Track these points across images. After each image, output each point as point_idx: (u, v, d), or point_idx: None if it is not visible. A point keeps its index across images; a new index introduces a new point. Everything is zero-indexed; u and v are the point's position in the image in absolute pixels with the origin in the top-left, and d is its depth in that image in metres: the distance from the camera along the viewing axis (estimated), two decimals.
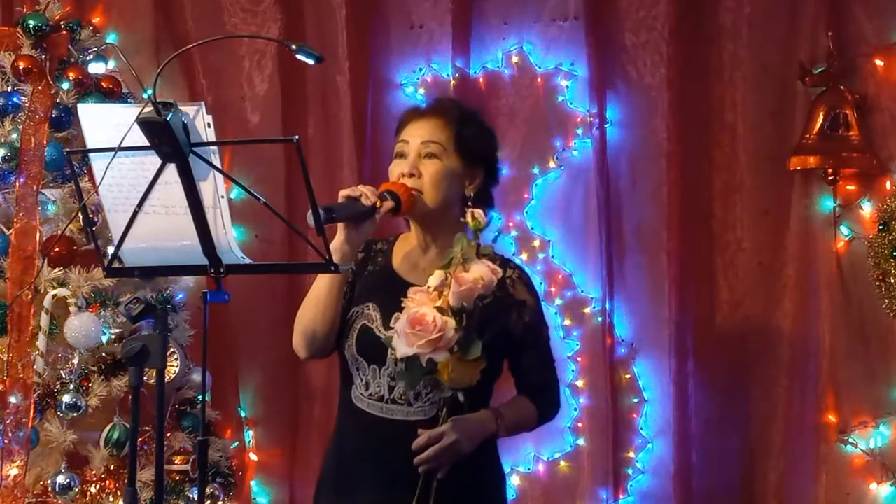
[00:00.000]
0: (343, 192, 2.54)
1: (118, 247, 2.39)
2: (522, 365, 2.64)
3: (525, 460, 4.01)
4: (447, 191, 2.61)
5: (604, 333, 3.96)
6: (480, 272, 2.37)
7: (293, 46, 2.48)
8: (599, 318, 3.97)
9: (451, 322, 2.33)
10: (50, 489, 3.50)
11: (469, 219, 2.43)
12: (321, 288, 2.61)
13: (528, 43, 4.10)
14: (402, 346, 2.36)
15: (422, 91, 4.15)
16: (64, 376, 3.54)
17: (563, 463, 3.99)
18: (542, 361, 2.72)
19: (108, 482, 3.56)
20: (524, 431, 2.85)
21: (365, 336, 2.59)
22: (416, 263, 2.65)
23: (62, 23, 3.83)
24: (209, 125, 2.27)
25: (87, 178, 3.16)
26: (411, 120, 2.67)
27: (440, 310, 2.34)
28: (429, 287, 2.38)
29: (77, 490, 3.51)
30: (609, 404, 3.93)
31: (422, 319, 2.34)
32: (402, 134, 2.66)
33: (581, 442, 3.99)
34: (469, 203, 2.63)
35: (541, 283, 3.93)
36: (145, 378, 2.31)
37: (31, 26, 3.77)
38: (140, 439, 3.55)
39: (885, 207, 3.73)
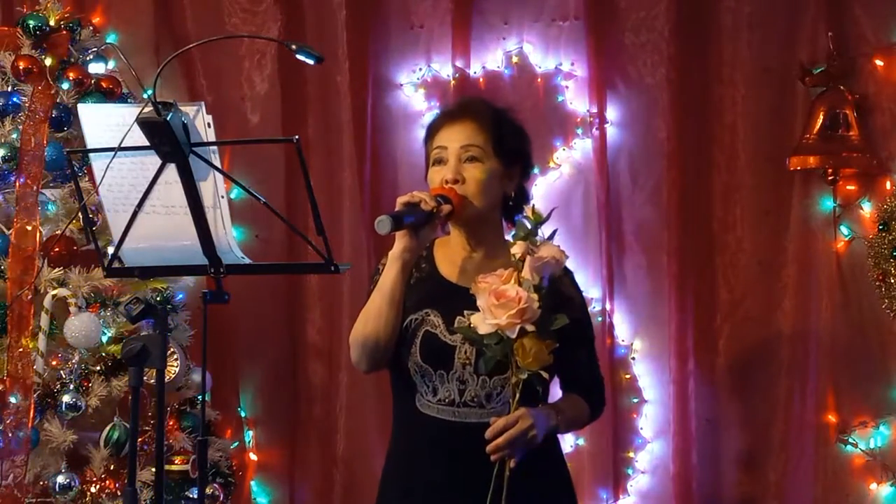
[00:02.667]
0: (401, 199, 2.50)
1: (118, 247, 2.40)
2: (572, 362, 2.58)
3: None
4: (492, 193, 2.59)
5: (604, 333, 3.95)
6: (552, 250, 2.41)
7: (293, 46, 2.48)
8: (599, 318, 3.97)
9: (534, 295, 2.35)
10: (50, 489, 3.50)
11: (530, 213, 2.42)
12: (383, 298, 2.56)
13: (528, 43, 4.10)
14: (489, 320, 2.35)
15: (422, 91, 4.15)
16: (64, 376, 3.54)
17: None
18: (589, 359, 2.72)
19: (108, 482, 3.56)
20: (577, 429, 2.85)
21: (430, 342, 2.55)
22: (463, 269, 2.62)
23: (62, 23, 3.83)
24: (209, 125, 2.27)
25: (87, 178, 3.17)
26: (444, 125, 2.64)
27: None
28: (513, 255, 2.39)
29: (77, 490, 3.51)
30: (609, 404, 3.92)
31: (505, 293, 2.34)
32: (437, 140, 2.63)
33: (581, 442, 3.99)
34: (511, 203, 2.63)
35: None
36: (145, 378, 2.31)
37: (31, 26, 3.77)
38: (140, 439, 3.55)
39: (885, 207, 3.73)
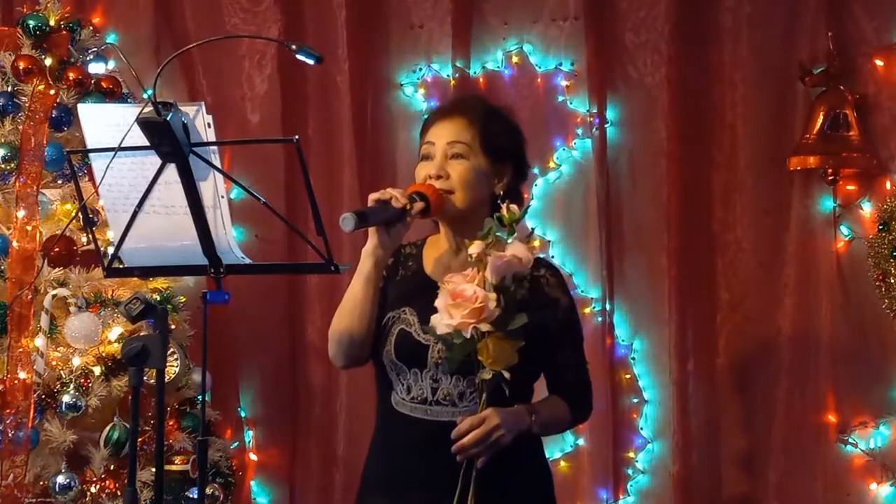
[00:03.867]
0: (373, 196, 2.49)
1: (118, 247, 2.40)
2: (556, 364, 2.59)
3: None
4: (476, 191, 2.57)
5: (604, 333, 3.96)
6: (517, 250, 2.37)
7: (293, 46, 2.48)
8: (599, 318, 3.97)
9: (492, 295, 2.32)
10: (50, 489, 3.50)
11: (504, 211, 2.40)
12: (357, 293, 2.56)
13: (528, 43, 4.10)
14: (445, 320, 2.34)
15: (422, 91, 4.15)
16: (64, 376, 3.54)
17: (563, 463, 3.99)
18: (575, 361, 2.69)
19: (108, 482, 3.56)
20: (558, 431, 2.84)
21: (404, 340, 2.55)
22: (447, 267, 2.61)
23: (62, 23, 3.83)
24: (209, 125, 2.27)
25: (87, 178, 3.17)
26: (435, 121, 2.64)
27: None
28: (469, 255, 2.36)
29: (77, 490, 3.51)
30: (609, 404, 3.93)
31: (462, 293, 2.32)
32: (427, 136, 2.63)
33: (581, 442, 3.99)
34: (500, 202, 2.59)
35: None
36: (145, 378, 2.31)
37: (31, 26, 3.77)
38: (140, 439, 3.55)
39: (885, 207, 3.73)
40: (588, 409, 2.74)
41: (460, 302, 2.32)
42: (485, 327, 2.32)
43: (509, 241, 2.40)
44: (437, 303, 2.37)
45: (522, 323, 2.34)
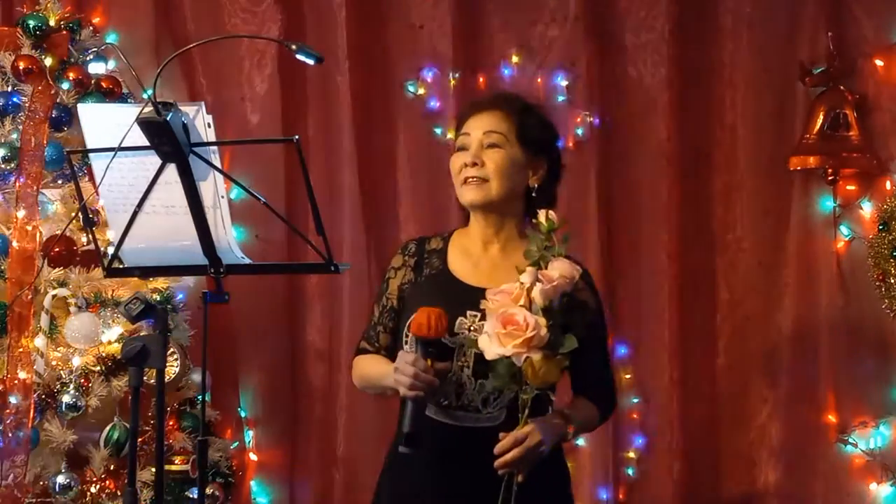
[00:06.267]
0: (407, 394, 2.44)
1: (118, 247, 2.40)
2: (583, 365, 2.55)
3: None
4: (511, 179, 2.59)
5: None
6: (563, 269, 2.36)
7: (293, 46, 2.48)
8: None
9: (542, 320, 2.30)
10: (50, 489, 3.50)
11: (542, 219, 2.39)
12: (375, 388, 2.63)
13: (529, 43, 4.10)
14: (494, 347, 2.31)
15: (422, 91, 4.15)
16: (64, 376, 3.54)
17: None
18: (601, 362, 2.70)
19: (108, 482, 3.56)
20: (588, 431, 2.86)
21: None
22: (476, 264, 2.62)
23: (62, 23, 3.83)
24: (209, 125, 2.27)
25: (87, 178, 3.17)
26: (472, 114, 2.67)
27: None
28: (521, 284, 2.34)
29: (77, 490, 3.50)
30: None
31: (513, 319, 2.30)
32: (464, 128, 2.66)
33: (581, 442, 3.99)
34: (533, 194, 2.63)
35: None
36: (145, 378, 2.31)
37: (31, 26, 3.77)
38: (140, 439, 3.55)
39: (885, 207, 3.74)
40: (613, 407, 2.76)
41: (512, 330, 2.29)
42: (536, 355, 2.30)
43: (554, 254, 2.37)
44: (486, 327, 2.34)
45: (573, 347, 2.32)
